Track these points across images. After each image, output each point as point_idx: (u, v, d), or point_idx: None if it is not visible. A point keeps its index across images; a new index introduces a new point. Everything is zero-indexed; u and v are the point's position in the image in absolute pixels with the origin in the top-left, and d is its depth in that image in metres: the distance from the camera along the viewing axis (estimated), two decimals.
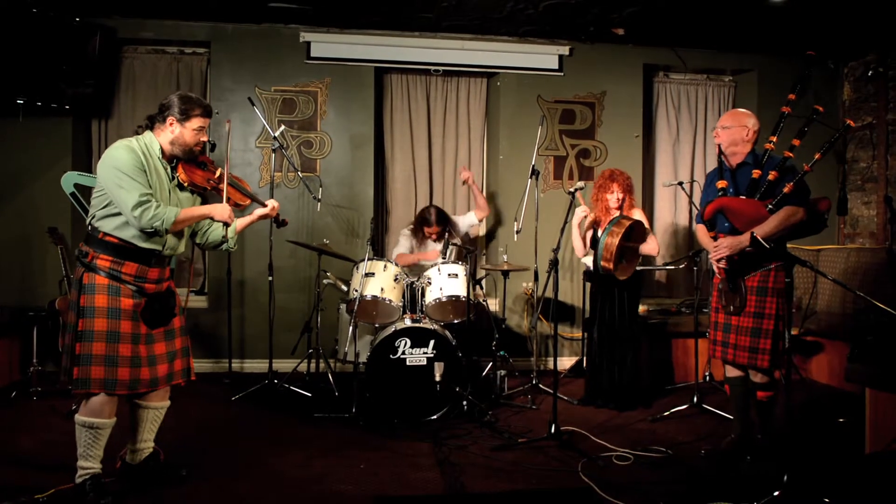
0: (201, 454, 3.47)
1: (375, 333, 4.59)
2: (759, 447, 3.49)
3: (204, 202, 3.08)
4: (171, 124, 2.86)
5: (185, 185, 2.93)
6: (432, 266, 4.61)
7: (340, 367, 5.06)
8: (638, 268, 4.47)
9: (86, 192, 5.25)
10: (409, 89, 5.99)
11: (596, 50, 5.93)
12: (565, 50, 5.87)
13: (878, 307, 2.85)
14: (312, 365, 5.00)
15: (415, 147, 6.02)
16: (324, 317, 5.08)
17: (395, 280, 4.47)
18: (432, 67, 5.85)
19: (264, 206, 3.11)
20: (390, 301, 4.40)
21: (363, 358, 4.53)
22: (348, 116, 5.68)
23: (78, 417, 2.85)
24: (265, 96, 5.56)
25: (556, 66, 5.88)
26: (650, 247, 4.49)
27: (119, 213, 2.76)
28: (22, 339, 4.96)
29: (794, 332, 3.44)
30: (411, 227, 5.33)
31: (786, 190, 3.25)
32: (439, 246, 5.18)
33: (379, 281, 4.41)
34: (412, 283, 4.66)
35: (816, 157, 3.27)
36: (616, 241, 4.16)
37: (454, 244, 4.68)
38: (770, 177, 3.30)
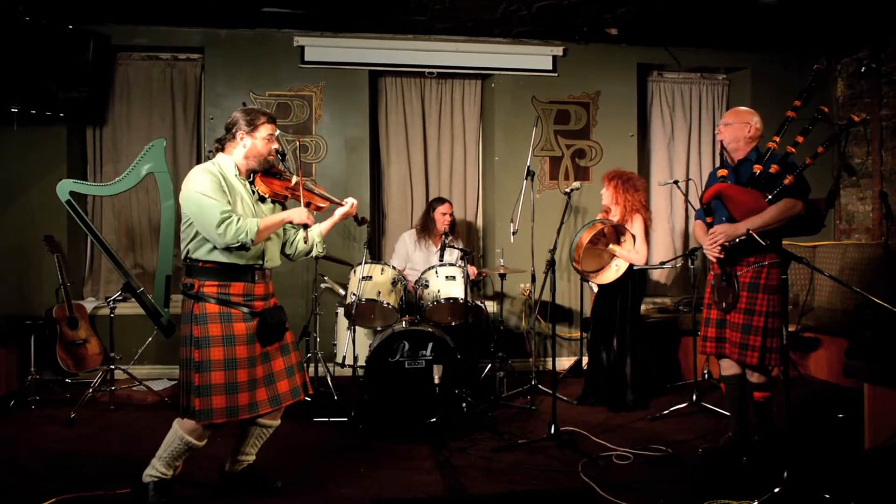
0: (200, 460, 3.46)
1: (374, 337, 4.58)
2: (755, 449, 3.47)
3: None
4: (241, 139, 2.87)
5: (267, 196, 2.94)
6: (430, 269, 4.61)
7: (339, 371, 5.06)
8: (634, 267, 4.48)
9: (81, 200, 5.25)
10: (404, 92, 5.99)
11: (590, 50, 5.94)
12: (559, 50, 5.88)
13: (876, 303, 2.85)
14: (311, 369, 4.99)
15: (410, 150, 6.02)
16: (322, 321, 5.08)
17: (393, 283, 4.47)
18: (426, 70, 5.86)
19: (342, 205, 3.09)
20: (388, 304, 4.40)
21: (362, 361, 4.53)
22: (343, 120, 5.69)
23: (179, 431, 2.83)
24: (260, 101, 5.56)
25: (550, 67, 5.89)
26: (634, 256, 4.42)
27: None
28: (19, 348, 4.94)
29: (791, 328, 3.43)
30: (416, 228, 5.32)
31: (786, 182, 3.22)
32: (435, 256, 5.18)
33: (377, 284, 4.41)
34: (410, 286, 4.66)
35: (819, 150, 3.26)
36: (585, 239, 4.22)
37: (451, 246, 4.68)
38: (771, 170, 3.28)
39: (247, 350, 2.80)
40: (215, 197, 2.73)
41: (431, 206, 5.31)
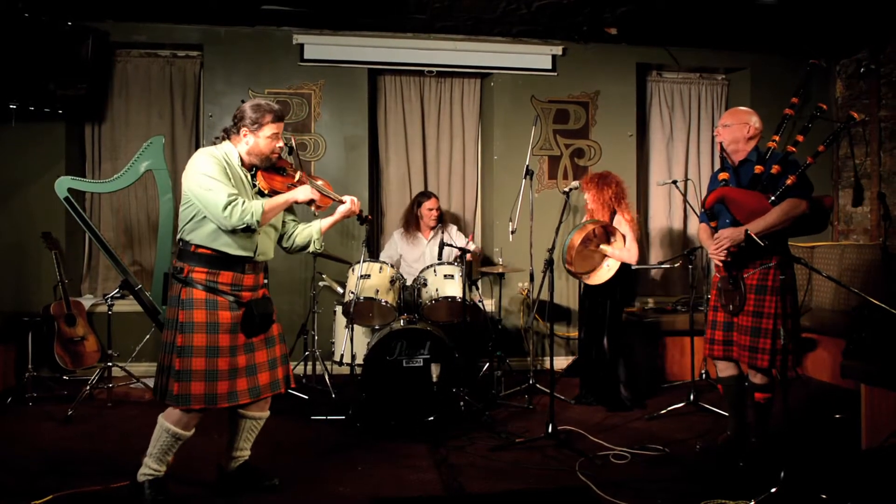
0: (198, 459, 3.45)
1: (372, 335, 4.58)
2: (752, 451, 3.47)
3: (287, 210, 3.08)
4: (244, 136, 2.87)
5: (266, 192, 2.93)
6: (428, 268, 4.61)
7: (337, 369, 5.05)
8: (633, 266, 4.48)
9: (79, 197, 5.24)
10: (403, 90, 5.99)
11: (589, 49, 5.94)
12: (558, 50, 5.88)
13: (873, 304, 2.86)
14: (309, 367, 4.99)
15: (409, 148, 6.02)
16: (320, 319, 5.07)
17: (391, 282, 4.47)
18: (426, 68, 5.85)
19: (343, 202, 3.09)
20: (386, 303, 4.40)
21: (360, 360, 4.53)
22: (342, 118, 5.68)
23: (164, 423, 2.83)
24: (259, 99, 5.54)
25: (550, 66, 5.89)
26: (626, 255, 4.43)
27: (206, 222, 2.76)
28: (17, 344, 4.93)
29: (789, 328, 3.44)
30: (401, 226, 5.35)
31: (788, 182, 3.20)
32: (427, 247, 5.19)
33: (375, 283, 4.41)
34: (408, 284, 4.66)
35: (820, 149, 3.26)
36: (577, 241, 4.22)
37: (449, 245, 4.68)
38: (773, 170, 3.27)
39: (229, 339, 2.80)
40: (220, 179, 2.74)
41: (417, 201, 5.31)
